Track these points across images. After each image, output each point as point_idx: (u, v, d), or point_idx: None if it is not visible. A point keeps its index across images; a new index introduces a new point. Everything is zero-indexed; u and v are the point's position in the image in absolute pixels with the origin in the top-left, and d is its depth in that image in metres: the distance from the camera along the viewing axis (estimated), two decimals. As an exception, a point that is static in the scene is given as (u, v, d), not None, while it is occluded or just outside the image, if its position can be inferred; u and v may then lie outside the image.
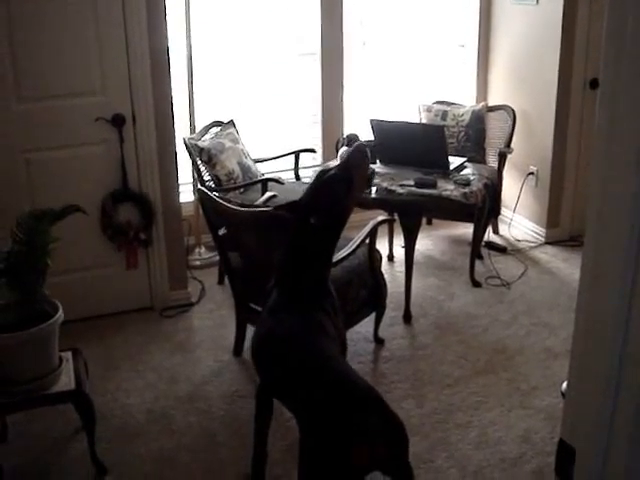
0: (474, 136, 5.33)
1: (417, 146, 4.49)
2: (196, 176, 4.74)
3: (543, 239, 5.41)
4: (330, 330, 2.64)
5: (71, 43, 3.82)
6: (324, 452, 2.22)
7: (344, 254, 3.46)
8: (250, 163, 4.87)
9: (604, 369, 1.07)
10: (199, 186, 4.34)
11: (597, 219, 1.04)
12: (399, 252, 4.90)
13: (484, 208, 4.57)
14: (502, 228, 5.58)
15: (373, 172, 2.94)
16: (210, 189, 4.20)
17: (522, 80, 5.45)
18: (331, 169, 2.78)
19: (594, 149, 1.05)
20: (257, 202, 4.20)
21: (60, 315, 2.83)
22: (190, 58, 4.79)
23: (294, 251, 2.74)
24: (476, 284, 4.70)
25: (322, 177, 2.76)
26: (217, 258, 4.63)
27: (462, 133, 5.34)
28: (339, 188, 2.72)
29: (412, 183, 4.20)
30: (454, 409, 3.42)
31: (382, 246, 4.77)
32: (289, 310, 2.66)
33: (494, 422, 3.32)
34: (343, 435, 2.19)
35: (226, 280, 4.42)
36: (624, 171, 0.98)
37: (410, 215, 4.23)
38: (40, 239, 2.79)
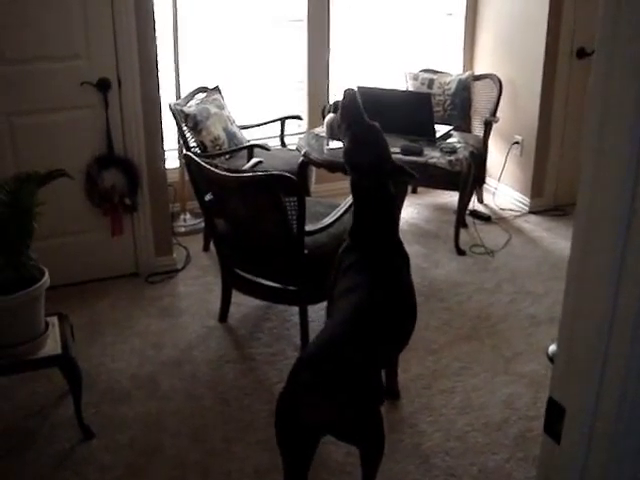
0: (460, 105, 5.32)
1: (403, 114, 4.48)
2: (181, 142, 4.71)
3: (527, 208, 5.43)
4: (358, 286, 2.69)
5: (55, 5, 3.75)
6: (278, 407, 2.32)
7: (330, 221, 3.47)
8: (236, 129, 4.85)
9: (594, 328, 1.08)
10: (185, 151, 4.32)
11: (591, 187, 1.05)
12: (384, 220, 4.89)
13: (469, 176, 4.58)
14: (487, 197, 5.60)
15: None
16: (196, 155, 4.18)
17: (509, 49, 5.44)
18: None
19: (585, 116, 1.05)
20: (243, 168, 4.18)
21: (46, 279, 2.82)
22: (176, 23, 4.74)
23: (359, 212, 2.87)
24: (460, 252, 4.72)
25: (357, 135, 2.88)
26: (202, 225, 4.64)
27: (448, 101, 5.33)
28: (375, 138, 2.88)
29: (398, 150, 4.19)
30: (438, 375, 3.45)
31: (368, 214, 4.76)
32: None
33: (478, 387, 3.36)
34: (291, 390, 2.29)
35: (211, 247, 4.41)
36: (618, 140, 0.98)
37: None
38: (25, 201, 2.76)
